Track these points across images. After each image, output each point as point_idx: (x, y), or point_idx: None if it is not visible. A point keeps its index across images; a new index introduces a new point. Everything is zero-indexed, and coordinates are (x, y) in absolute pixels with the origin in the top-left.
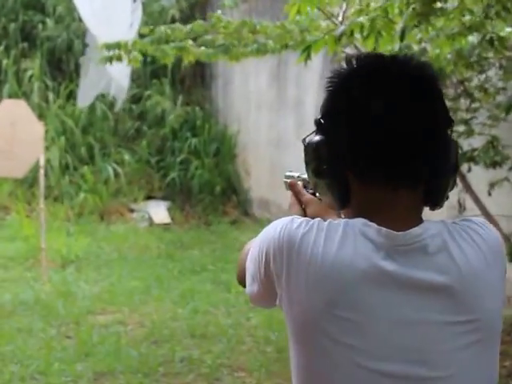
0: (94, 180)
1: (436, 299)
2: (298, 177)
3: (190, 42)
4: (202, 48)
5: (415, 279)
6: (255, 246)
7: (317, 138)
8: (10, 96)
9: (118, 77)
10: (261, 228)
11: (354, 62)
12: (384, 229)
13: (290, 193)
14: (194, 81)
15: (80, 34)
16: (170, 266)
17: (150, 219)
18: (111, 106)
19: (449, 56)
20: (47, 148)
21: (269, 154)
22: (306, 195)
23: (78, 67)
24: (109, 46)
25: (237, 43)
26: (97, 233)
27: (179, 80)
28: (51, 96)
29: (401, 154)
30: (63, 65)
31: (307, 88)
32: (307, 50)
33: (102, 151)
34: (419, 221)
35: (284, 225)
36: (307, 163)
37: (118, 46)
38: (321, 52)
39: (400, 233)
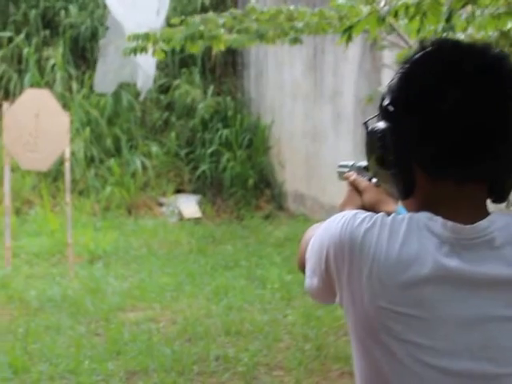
0: (121, 173)
1: (502, 293)
2: (352, 165)
3: (223, 30)
4: (235, 35)
5: (480, 274)
6: (317, 238)
7: (383, 125)
8: (32, 86)
9: (145, 66)
10: (296, 223)
11: (429, 48)
12: (450, 222)
13: (346, 182)
14: (226, 70)
15: (104, 21)
16: (202, 262)
17: (180, 214)
18: (137, 95)
19: (492, 36)
20: (71, 140)
21: (304, 146)
22: (364, 182)
23: None
24: (137, 37)
25: (273, 30)
26: (125, 227)
27: (210, 69)
28: (75, 85)
29: (474, 148)
30: (87, 53)
31: (345, 78)
32: (348, 32)
33: (129, 143)
34: (486, 214)
35: (346, 220)
36: (370, 151)
37: (146, 37)
38: (359, 41)
39: (467, 226)
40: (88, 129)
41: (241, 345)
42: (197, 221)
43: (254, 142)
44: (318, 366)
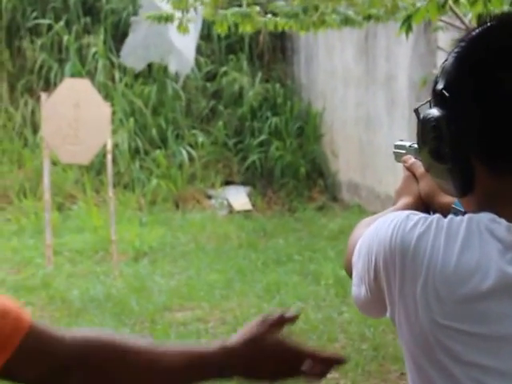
0: (167, 165)
1: None
2: (410, 146)
3: (257, 8)
4: (269, 16)
5: None
6: (365, 241)
7: (436, 112)
8: (73, 75)
9: (182, 48)
10: (350, 214)
11: (490, 23)
12: None
13: (402, 166)
14: (274, 56)
15: None
16: (252, 257)
17: (230, 206)
18: (184, 84)
19: None
20: (115, 131)
21: (358, 133)
22: (421, 167)
23: None
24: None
25: (313, 12)
26: (172, 222)
27: (258, 55)
28: (117, 74)
29: None
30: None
31: (399, 62)
32: (408, 21)
33: (175, 133)
34: None
35: (397, 224)
36: (423, 142)
37: (179, 3)
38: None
39: None
40: (132, 119)
41: None
42: (247, 213)
43: (305, 130)
44: (375, 367)
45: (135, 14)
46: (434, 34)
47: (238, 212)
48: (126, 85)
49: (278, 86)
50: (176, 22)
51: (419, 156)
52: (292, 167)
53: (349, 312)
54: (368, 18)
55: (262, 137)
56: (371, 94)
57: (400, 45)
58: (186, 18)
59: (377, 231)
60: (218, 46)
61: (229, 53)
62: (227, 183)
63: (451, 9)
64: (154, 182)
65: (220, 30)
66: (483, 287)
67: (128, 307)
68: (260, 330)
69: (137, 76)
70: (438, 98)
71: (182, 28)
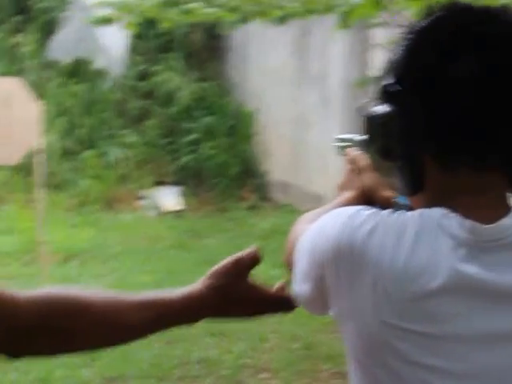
0: (98, 165)
1: None
2: (353, 139)
3: (200, 4)
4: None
5: (503, 282)
6: (309, 237)
7: (384, 108)
8: (4, 74)
9: (109, 46)
10: (282, 214)
11: (437, 14)
12: (468, 221)
13: (344, 159)
14: (208, 54)
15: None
16: (183, 258)
17: (161, 207)
18: (115, 83)
19: None
20: (46, 131)
21: (290, 132)
22: (364, 160)
23: None
24: (108, 3)
25: (256, 8)
26: (102, 223)
27: (191, 54)
28: (49, 74)
29: (495, 131)
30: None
31: (333, 60)
32: (344, 19)
33: (107, 133)
34: (508, 209)
35: (345, 221)
36: (370, 140)
37: (120, 5)
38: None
39: (487, 226)
40: (63, 119)
41: (224, 346)
42: (178, 214)
43: (238, 130)
44: (307, 366)
45: (65, 9)
46: (368, 31)
47: (170, 212)
48: (58, 84)
49: (211, 85)
50: (115, 24)
51: (362, 149)
52: (224, 167)
53: None
54: (311, 11)
55: (194, 136)
56: (304, 92)
57: (334, 43)
58: (128, 18)
59: (323, 227)
60: (152, 44)
61: (162, 52)
62: (159, 183)
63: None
64: (85, 182)
65: (165, 25)
66: (433, 285)
67: None
68: (231, 275)
69: (69, 75)
70: (386, 94)
71: (129, 25)
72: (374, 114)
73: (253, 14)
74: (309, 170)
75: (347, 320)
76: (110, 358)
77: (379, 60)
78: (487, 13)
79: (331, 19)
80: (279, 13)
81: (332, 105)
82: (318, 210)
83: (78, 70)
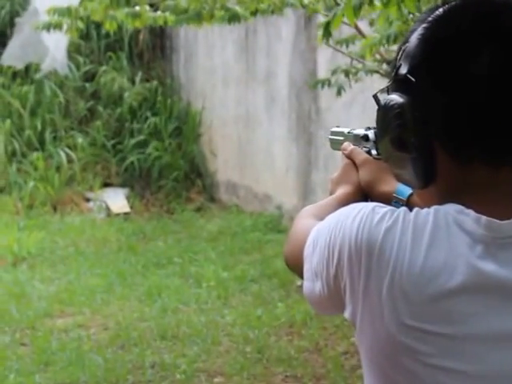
0: (45, 167)
1: None
2: (349, 133)
3: (147, 7)
4: (158, 12)
5: None
6: (323, 233)
7: (399, 98)
8: None
9: (53, 47)
10: (228, 215)
11: (455, 2)
12: (484, 217)
13: (341, 154)
14: (154, 54)
15: (26, 6)
16: (132, 260)
17: (108, 209)
18: (61, 84)
19: None
20: None
21: (236, 132)
22: (362, 155)
23: None
24: (57, 11)
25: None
26: (50, 226)
27: (137, 54)
28: None
29: (509, 124)
30: (7, 40)
31: (279, 59)
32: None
33: (53, 135)
34: None
35: (363, 217)
36: (383, 130)
37: (68, 11)
38: (292, 18)
39: (504, 222)
40: (9, 121)
41: (178, 350)
42: (126, 216)
43: (184, 130)
44: (260, 370)
45: (15, 14)
46: (314, 30)
47: (117, 215)
48: (3, 86)
49: (157, 85)
50: (64, 29)
51: (358, 143)
52: (170, 168)
53: (231, 314)
54: (254, 12)
55: (141, 137)
56: (251, 92)
57: (280, 42)
58: (74, 24)
59: (339, 224)
60: (97, 45)
61: (108, 52)
62: (106, 185)
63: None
64: (32, 184)
65: (109, 28)
66: (451, 284)
67: (7, 315)
68: None
69: (14, 77)
70: (400, 83)
71: (71, 31)
72: (389, 103)
73: (201, 17)
74: (255, 169)
75: (363, 321)
76: (63, 364)
77: (325, 59)
78: (508, 4)
79: (276, 18)
80: (226, 14)
81: (278, 104)
82: (318, 204)
83: (25, 73)
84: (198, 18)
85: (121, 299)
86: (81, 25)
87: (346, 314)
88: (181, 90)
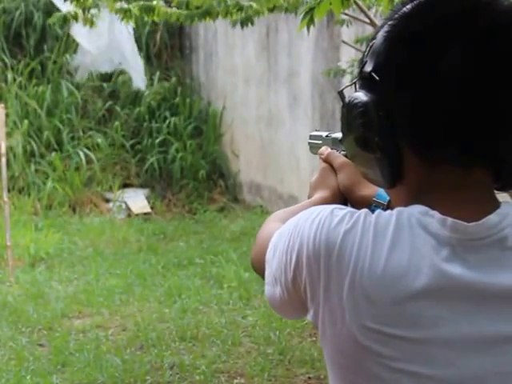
0: (63, 168)
1: None
2: (327, 136)
3: (161, 2)
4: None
5: (490, 283)
6: (282, 237)
7: (364, 96)
8: None
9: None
10: (252, 215)
11: (422, 2)
12: (450, 219)
13: (319, 157)
14: (172, 54)
15: (40, 6)
16: (152, 261)
17: (128, 209)
18: (78, 84)
19: None
20: (9, 134)
21: (259, 132)
22: (339, 158)
23: (39, 43)
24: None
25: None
26: (69, 226)
27: (155, 53)
28: (10, 75)
29: (481, 125)
30: (23, 40)
31: (301, 58)
32: (309, 15)
33: (71, 135)
34: (495, 206)
35: (321, 219)
36: (348, 129)
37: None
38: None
39: (471, 224)
40: (26, 121)
41: (197, 351)
42: (146, 216)
43: (205, 130)
44: (281, 371)
45: (29, 14)
46: (337, 28)
47: (137, 215)
48: (20, 86)
49: (176, 85)
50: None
51: (336, 146)
52: (192, 168)
53: (253, 315)
54: (272, 9)
55: (161, 137)
56: (273, 91)
57: (302, 40)
58: (89, 14)
59: (298, 227)
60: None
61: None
62: (125, 186)
63: (355, 2)
64: (50, 185)
65: (126, 22)
66: (415, 287)
67: (25, 315)
68: None
69: (30, 77)
70: (365, 81)
71: (89, 21)
72: (353, 101)
73: (215, 13)
74: (279, 170)
75: (324, 323)
76: (81, 364)
77: (348, 57)
78: (477, 2)
79: (297, 16)
80: (241, 14)
81: (301, 103)
82: (288, 209)
83: (41, 72)
84: (209, 14)
85: (140, 300)
86: (98, 15)
87: (309, 317)
88: (201, 90)
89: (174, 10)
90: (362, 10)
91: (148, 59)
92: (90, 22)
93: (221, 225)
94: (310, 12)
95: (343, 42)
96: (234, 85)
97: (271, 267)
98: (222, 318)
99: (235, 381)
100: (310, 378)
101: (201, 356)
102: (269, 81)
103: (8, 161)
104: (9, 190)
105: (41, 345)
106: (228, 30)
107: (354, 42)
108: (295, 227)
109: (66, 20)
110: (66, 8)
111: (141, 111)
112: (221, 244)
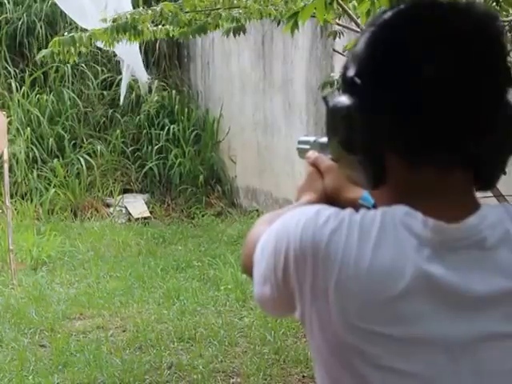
0: (65, 174)
1: (496, 306)
2: (315, 141)
3: (149, 25)
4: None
5: (469, 284)
6: (270, 238)
7: (347, 100)
8: None
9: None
10: (249, 219)
11: (402, 6)
12: (431, 220)
13: (306, 162)
14: (171, 63)
15: (42, 16)
16: (151, 264)
17: (128, 214)
18: (80, 92)
19: None
20: (12, 141)
21: (255, 138)
22: (326, 162)
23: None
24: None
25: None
26: (70, 231)
27: (154, 62)
28: (14, 84)
29: (461, 127)
30: (25, 49)
31: (296, 66)
32: (294, 19)
33: (72, 142)
34: (475, 207)
35: (307, 220)
36: (332, 132)
37: (72, 40)
38: (309, 26)
39: (452, 225)
40: (29, 129)
41: (195, 351)
42: (145, 221)
43: (203, 137)
44: (277, 370)
45: (31, 24)
46: (330, 38)
47: (137, 220)
48: (23, 95)
49: (174, 93)
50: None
51: (324, 151)
52: (190, 174)
53: (249, 316)
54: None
55: (160, 144)
56: (268, 98)
57: (297, 49)
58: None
59: (284, 228)
60: (114, 53)
61: None
62: (125, 191)
63: (346, 12)
64: (52, 191)
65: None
66: (399, 287)
67: (27, 317)
68: None
69: (33, 85)
70: (348, 86)
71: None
72: (336, 105)
73: (205, 27)
74: (274, 175)
75: (313, 324)
76: (81, 365)
77: (341, 65)
78: (454, 7)
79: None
80: (232, 24)
81: (296, 110)
82: (277, 212)
83: (44, 81)
84: (202, 30)
85: (139, 302)
86: (84, 49)
87: (296, 315)
88: (198, 98)
89: (160, 28)
90: (352, 20)
91: (147, 68)
92: (71, 57)
93: (218, 229)
94: (295, 16)
95: (334, 50)
96: (230, 93)
97: (260, 268)
98: (219, 319)
99: (232, 380)
100: (304, 376)
101: (198, 356)
102: (264, 88)
103: (11, 167)
104: (12, 196)
105: (42, 346)
106: (224, 40)
107: (343, 51)
108: (282, 228)
109: (53, 56)
110: (84, 24)
111: (141, 119)
112: (218, 247)
